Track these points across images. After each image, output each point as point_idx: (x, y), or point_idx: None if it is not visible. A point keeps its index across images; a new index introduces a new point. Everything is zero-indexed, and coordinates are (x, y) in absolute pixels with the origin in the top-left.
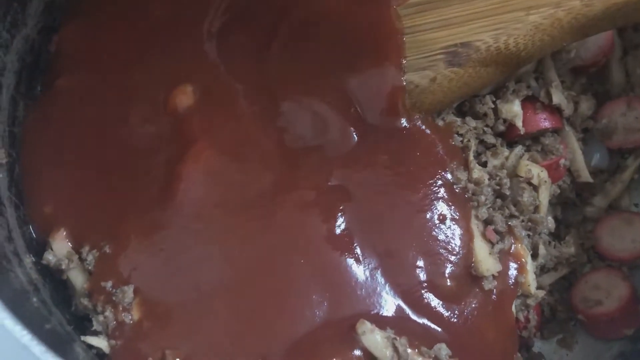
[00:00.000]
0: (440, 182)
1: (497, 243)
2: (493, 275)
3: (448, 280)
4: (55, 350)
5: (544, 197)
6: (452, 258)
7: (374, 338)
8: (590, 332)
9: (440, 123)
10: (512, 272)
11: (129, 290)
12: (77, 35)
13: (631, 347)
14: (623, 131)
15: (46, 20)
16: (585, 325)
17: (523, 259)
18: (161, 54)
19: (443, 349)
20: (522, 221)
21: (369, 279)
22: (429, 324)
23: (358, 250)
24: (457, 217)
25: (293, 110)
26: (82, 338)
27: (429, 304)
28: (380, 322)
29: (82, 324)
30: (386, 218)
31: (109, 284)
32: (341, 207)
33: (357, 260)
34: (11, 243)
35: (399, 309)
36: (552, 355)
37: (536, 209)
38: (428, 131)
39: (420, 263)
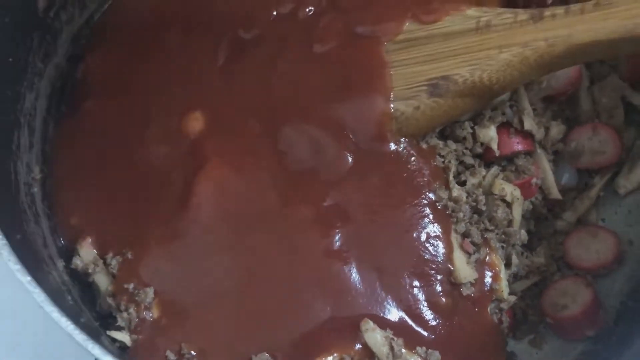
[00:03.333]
0: (425, 201)
1: (474, 253)
2: (470, 283)
3: (443, 298)
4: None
5: (517, 213)
6: (440, 277)
7: (375, 336)
8: (557, 334)
9: (425, 146)
10: (488, 279)
11: (150, 291)
12: (101, 64)
13: (593, 347)
14: (589, 153)
15: (74, 49)
16: (552, 327)
17: (497, 268)
18: (174, 82)
19: (435, 356)
20: (497, 234)
21: (369, 290)
22: (426, 332)
23: (356, 265)
24: (440, 234)
25: (292, 135)
26: (108, 332)
27: (429, 318)
28: (382, 323)
29: (106, 321)
30: (380, 237)
31: (131, 286)
32: (338, 225)
33: (357, 274)
34: (46, 249)
35: (400, 318)
36: (523, 354)
37: (510, 223)
38: (413, 153)
39: (416, 283)
